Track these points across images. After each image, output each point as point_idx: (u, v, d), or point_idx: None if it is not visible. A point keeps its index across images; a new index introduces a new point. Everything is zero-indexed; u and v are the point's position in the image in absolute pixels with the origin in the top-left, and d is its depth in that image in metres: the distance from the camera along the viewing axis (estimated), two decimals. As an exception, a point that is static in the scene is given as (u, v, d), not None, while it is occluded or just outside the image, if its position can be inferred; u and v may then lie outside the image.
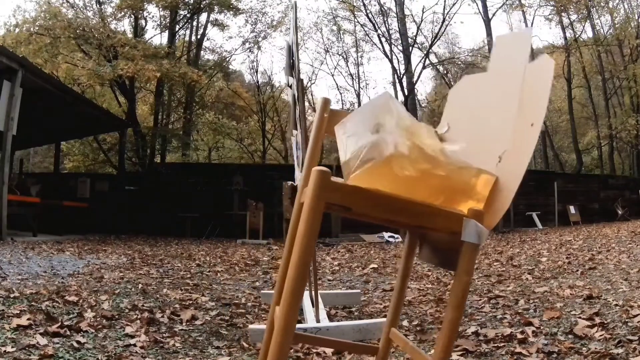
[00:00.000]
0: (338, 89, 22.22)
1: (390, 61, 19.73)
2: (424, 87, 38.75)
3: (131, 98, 14.90)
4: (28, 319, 2.10)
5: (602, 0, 18.62)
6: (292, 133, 2.76)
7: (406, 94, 18.86)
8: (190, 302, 2.95)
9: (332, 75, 25.66)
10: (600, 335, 1.97)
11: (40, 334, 1.94)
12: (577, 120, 20.86)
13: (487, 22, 19.46)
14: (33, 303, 2.51)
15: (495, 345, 1.99)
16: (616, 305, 2.49)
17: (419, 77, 20.23)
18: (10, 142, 7.45)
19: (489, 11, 19.63)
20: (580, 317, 2.28)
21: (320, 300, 2.53)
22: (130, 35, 14.64)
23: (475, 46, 22.48)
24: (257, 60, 27.30)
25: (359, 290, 3.35)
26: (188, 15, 16.78)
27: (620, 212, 14.78)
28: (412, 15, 20.04)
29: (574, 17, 19.40)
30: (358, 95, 21.94)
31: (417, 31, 19.28)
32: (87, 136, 15.03)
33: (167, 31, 16.94)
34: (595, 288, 3.06)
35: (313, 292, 2.47)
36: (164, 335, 2.17)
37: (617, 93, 20.82)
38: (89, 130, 13.45)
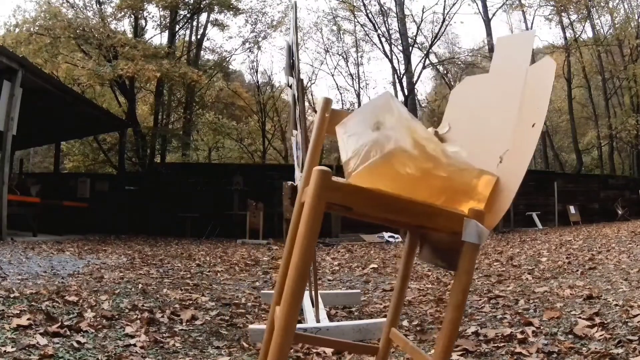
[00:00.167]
0: (338, 89, 22.24)
1: (390, 61, 19.76)
2: (424, 87, 38.78)
3: (131, 98, 14.90)
4: (28, 319, 2.10)
5: (602, 0, 18.62)
6: (292, 133, 2.76)
7: (406, 94, 18.87)
8: (190, 302, 2.95)
9: (332, 75, 25.71)
10: (600, 335, 1.97)
11: (40, 334, 1.94)
12: (577, 120, 20.87)
13: (487, 22, 19.47)
14: (33, 303, 2.51)
15: (495, 345, 1.99)
16: (616, 305, 2.49)
17: (419, 77, 20.28)
18: (10, 142, 7.45)
19: (489, 11, 19.66)
20: (580, 317, 2.28)
21: (320, 300, 2.53)
22: (130, 35, 14.64)
23: (475, 46, 22.51)
24: (257, 60, 27.34)
25: (359, 290, 3.35)
26: (188, 15, 16.78)
27: (620, 212, 14.79)
28: (412, 15, 20.07)
29: (574, 17, 19.41)
30: (358, 95, 21.98)
31: (417, 31, 19.32)
32: (87, 136, 15.03)
33: (167, 31, 16.94)
34: (595, 288, 3.06)
35: (313, 292, 2.47)
36: (164, 335, 2.17)
37: (617, 93, 20.82)
38: (89, 130, 13.45)
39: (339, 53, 21.80)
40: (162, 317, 2.47)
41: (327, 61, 28.00)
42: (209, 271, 4.66)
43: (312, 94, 22.59)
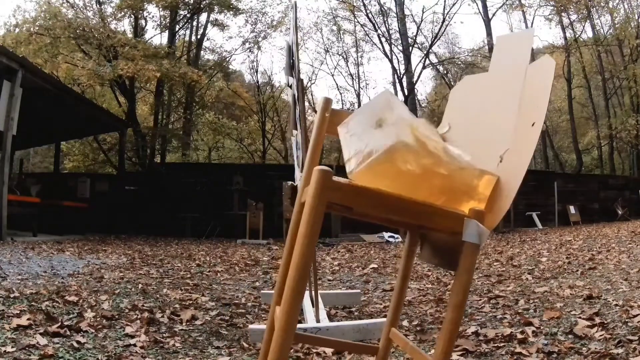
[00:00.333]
0: (338, 89, 22.22)
1: (390, 61, 19.76)
2: (424, 87, 38.73)
3: (131, 98, 14.91)
4: (28, 319, 2.09)
5: (602, 0, 18.62)
6: (292, 133, 2.76)
7: (406, 94, 18.86)
8: (190, 302, 2.95)
9: (332, 75, 25.67)
10: (600, 335, 1.97)
11: (40, 334, 1.94)
12: (577, 120, 20.86)
13: (487, 22, 19.47)
14: (33, 303, 2.51)
15: (495, 345, 1.99)
16: (616, 305, 2.49)
17: (419, 77, 20.27)
18: (10, 142, 7.45)
19: (489, 11, 19.65)
20: (580, 317, 2.28)
21: (320, 300, 2.53)
22: (130, 35, 14.65)
23: (475, 46, 22.48)
24: (257, 60, 27.31)
25: (359, 290, 3.35)
26: (188, 15, 16.79)
27: (620, 212, 14.78)
28: (412, 15, 20.10)
29: (574, 17, 19.41)
30: (358, 95, 21.96)
31: (417, 31, 19.32)
32: (87, 136, 15.03)
33: (167, 31, 16.94)
34: (595, 288, 3.06)
35: (313, 292, 2.47)
36: (164, 335, 2.17)
37: (617, 93, 20.82)
38: (89, 130, 13.45)
39: (339, 53, 21.81)
40: (162, 317, 2.47)
41: (327, 61, 27.96)
42: (209, 271, 4.66)
43: (312, 94, 22.60)
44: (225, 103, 19.56)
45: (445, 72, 22.22)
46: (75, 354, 1.78)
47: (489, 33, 19.16)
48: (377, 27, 19.60)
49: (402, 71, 19.42)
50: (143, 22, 16.47)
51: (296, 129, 2.63)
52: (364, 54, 22.59)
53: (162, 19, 16.85)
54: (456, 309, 0.87)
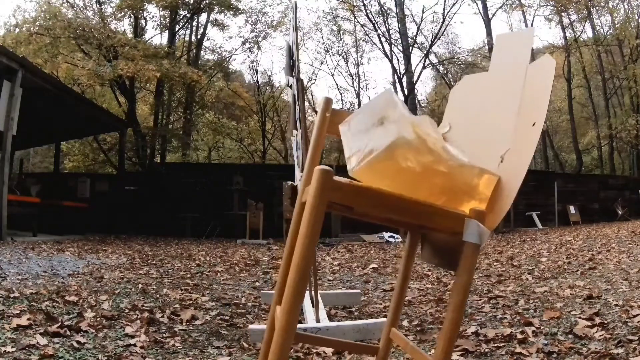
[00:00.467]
0: (338, 89, 22.22)
1: (390, 61, 19.76)
2: (424, 87, 38.72)
3: (131, 98, 14.90)
4: (28, 319, 2.09)
5: (602, 0, 18.61)
6: (292, 133, 2.76)
7: (406, 94, 18.86)
8: (190, 302, 2.95)
9: (332, 75, 25.67)
10: (600, 335, 1.97)
11: (40, 334, 1.94)
12: (577, 120, 20.86)
13: (487, 22, 19.47)
14: (33, 303, 2.51)
15: (495, 345, 1.99)
16: (616, 305, 2.49)
17: (419, 77, 20.28)
18: (10, 142, 7.45)
19: (489, 11, 19.66)
20: (580, 317, 2.28)
21: (320, 300, 2.53)
22: (130, 35, 14.64)
23: (475, 46, 22.48)
24: (257, 60, 27.31)
25: (359, 290, 3.35)
26: (188, 15, 16.79)
27: (620, 212, 14.78)
28: (412, 15, 20.11)
29: (574, 17, 19.41)
30: (358, 95, 21.97)
31: (417, 31, 19.32)
32: (87, 136, 15.03)
33: (167, 31, 16.94)
34: (595, 288, 3.06)
35: (313, 292, 2.47)
36: (164, 335, 2.17)
37: (617, 93, 20.81)
38: (89, 130, 13.45)
39: (339, 53, 21.81)
40: (162, 317, 2.46)
41: (327, 61, 27.95)
42: (209, 271, 4.66)
43: (312, 94, 22.60)
44: (225, 103, 19.56)
45: (445, 72, 22.23)
46: (75, 354, 1.78)
47: (489, 33, 19.16)
48: (377, 27, 19.62)
49: (402, 71, 19.42)
50: (143, 22, 16.49)
51: (296, 129, 2.63)
52: (364, 54, 22.63)
53: (162, 19, 16.87)
54: (457, 309, 0.87)
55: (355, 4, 19.59)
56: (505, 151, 0.96)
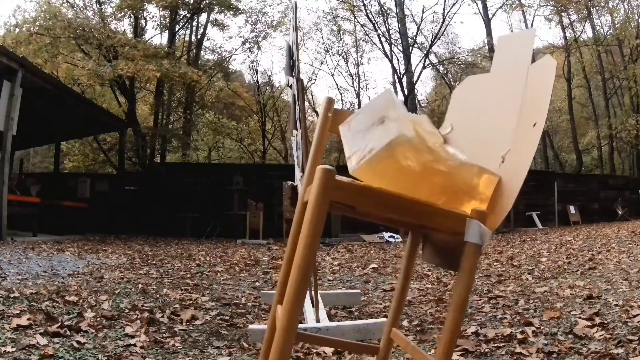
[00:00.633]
0: (338, 89, 22.23)
1: (390, 61, 19.76)
2: (424, 87, 38.71)
3: (131, 98, 14.90)
4: (28, 319, 2.09)
5: (602, 0, 18.62)
6: (292, 133, 2.76)
7: (406, 94, 18.87)
8: (190, 302, 2.95)
9: (332, 75, 25.67)
10: (600, 335, 1.97)
11: (40, 334, 1.94)
12: (577, 120, 20.86)
13: (487, 22, 19.47)
14: (33, 303, 2.51)
15: (495, 345, 1.99)
16: (616, 305, 2.49)
17: (419, 77, 20.28)
18: (10, 142, 7.45)
19: (489, 11, 19.65)
20: (580, 317, 2.28)
21: (320, 300, 2.53)
22: (130, 35, 14.65)
23: (475, 46, 22.46)
24: (257, 60, 27.33)
25: (359, 290, 3.35)
26: (188, 15, 16.78)
27: (620, 212, 14.78)
28: (412, 15, 20.11)
29: (574, 17, 19.41)
30: (358, 95, 21.98)
31: (417, 31, 19.32)
32: (87, 136, 15.03)
33: (167, 31, 16.94)
34: (595, 288, 3.06)
35: (313, 292, 2.47)
36: (164, 335, 2.16)
37: (617, 93, 20.82)
38: (89, 130, 13.45)
39: (339, 53, 21.82)
40: (162, 317, 2.46)
41: (327, 61, 27.95)
42: (209, 271, 4.66)
43: (312, 94, 22.62)
44: (225, 103, 19.56)
45: (445, 72, 22.23)
46: (75, 354, 1.78)
47: (489, 33, 19.16)
48: (377, 27, 19.62)
49: (402, 71, 19.42)
50: (143, 22, 16.49)
51: (296, 129, 2.63)
52: (364, 54, 22.62)
53: (162, 19, 16.87)
54: (457, 309, 0.87)
55: (355, 4, 19.60)
56: (506, 151, 0.96)
